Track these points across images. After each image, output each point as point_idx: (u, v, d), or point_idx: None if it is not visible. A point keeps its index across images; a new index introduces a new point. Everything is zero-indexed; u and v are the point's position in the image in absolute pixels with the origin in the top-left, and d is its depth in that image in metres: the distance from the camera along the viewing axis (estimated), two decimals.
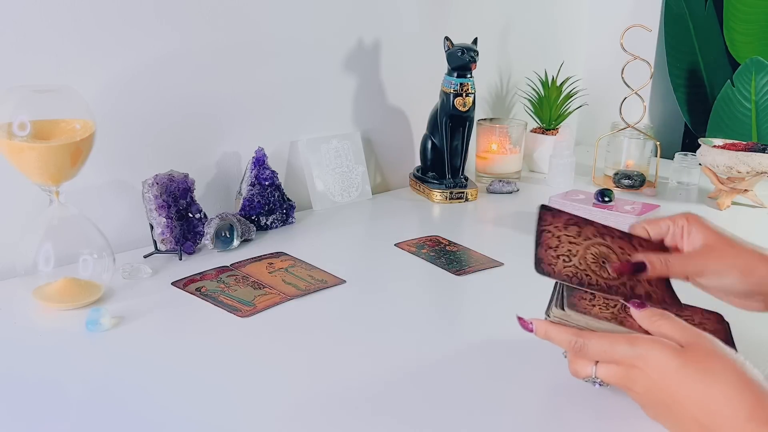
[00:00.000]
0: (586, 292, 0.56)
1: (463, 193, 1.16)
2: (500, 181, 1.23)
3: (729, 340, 0.57)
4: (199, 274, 0.81)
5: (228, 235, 0.89)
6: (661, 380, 0.47)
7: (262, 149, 0.98)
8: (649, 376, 0.48)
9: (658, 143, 1.29)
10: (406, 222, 1.06)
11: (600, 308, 0.55)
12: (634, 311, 0.53)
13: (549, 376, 0.60)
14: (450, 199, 1.15)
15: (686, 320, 0.52)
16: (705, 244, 0.63)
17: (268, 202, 0.97)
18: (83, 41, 0.83)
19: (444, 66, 1.12)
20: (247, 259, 0.86)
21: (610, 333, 0.52)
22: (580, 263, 0.56)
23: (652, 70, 1.25)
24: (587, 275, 0.56)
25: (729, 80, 1.54)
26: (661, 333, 0.50)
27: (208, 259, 0.86)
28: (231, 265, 0.84)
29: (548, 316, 0.55)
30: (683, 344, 0.48)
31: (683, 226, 0.66)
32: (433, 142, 1.18)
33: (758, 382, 0.45)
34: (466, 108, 1.12)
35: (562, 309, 0.54)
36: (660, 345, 0.48)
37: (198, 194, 0.95)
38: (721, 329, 0.58)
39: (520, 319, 0.55)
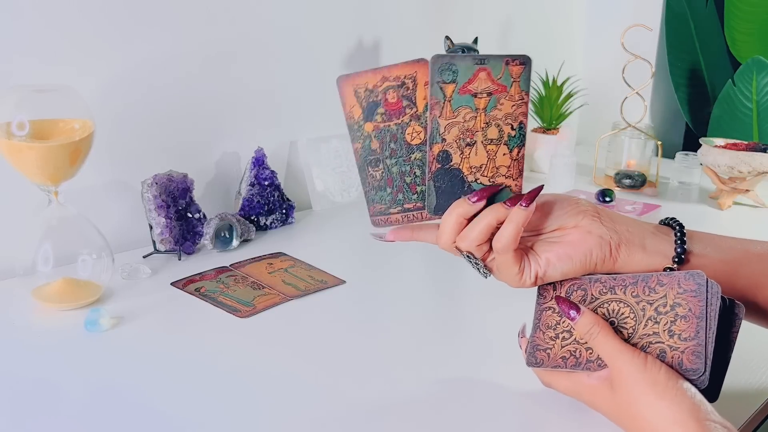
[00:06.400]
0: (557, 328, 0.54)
1: None
2: None
3: (706, 312, 0.47)
4: (199, 274, 0.81)
5: (227, 236, 0.89)
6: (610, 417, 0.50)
7: (262, 149, 0.97)
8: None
9: (659, 143, 1.28)
10: None
11: (562, 340, 0.53)
12: (572, 324, 0.51)
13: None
14: None
15: (658, 304, 0.49)
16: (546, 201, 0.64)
17: (268, 202, 0.97)
18: (83, 41, 0.83)
19: None
20: (247, 260, 0.86)
21: (570, 374, 0.52)
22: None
23: (653, 69, 1.24)
24: (588, 349, 0.51)
25: (730, 80, 1.54)
26: (595, 350, 0.50)
27: (207, 259, 0.86)
28: (230, 265, 0.84)
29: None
30: (612, 379, 0.49)
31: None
32: None
33: (677, 391, 0.45)
34: None
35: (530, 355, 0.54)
36: (597, 397, 0.50)
37: (197, 194, 0.94)
38: (696, 301, 0.47)
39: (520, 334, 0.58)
